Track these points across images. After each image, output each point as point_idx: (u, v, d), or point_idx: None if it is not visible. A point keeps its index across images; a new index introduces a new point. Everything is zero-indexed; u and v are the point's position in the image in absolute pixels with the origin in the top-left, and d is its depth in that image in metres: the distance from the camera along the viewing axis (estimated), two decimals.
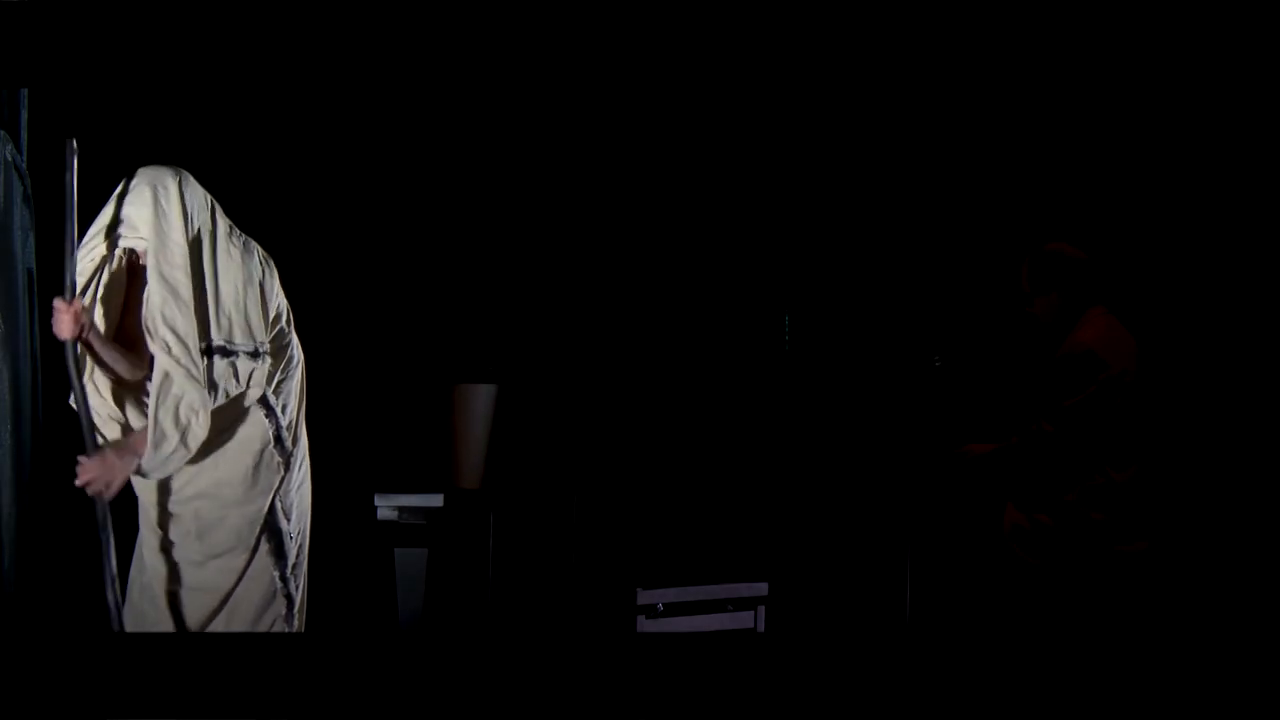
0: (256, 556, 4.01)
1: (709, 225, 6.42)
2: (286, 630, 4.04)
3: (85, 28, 5.33)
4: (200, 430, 3.87)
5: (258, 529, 4.01)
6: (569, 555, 5.87)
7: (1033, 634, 4.90)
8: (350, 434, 5.69)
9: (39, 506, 4.93)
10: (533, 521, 5.92)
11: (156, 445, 3.85)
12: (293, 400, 4.10)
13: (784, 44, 6.20)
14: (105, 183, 4.03)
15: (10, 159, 4.59)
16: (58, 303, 3.86)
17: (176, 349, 3.83)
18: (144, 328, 3.91)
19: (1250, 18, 5.79)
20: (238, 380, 3.92)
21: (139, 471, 3.94)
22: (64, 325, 3.85)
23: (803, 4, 6.11)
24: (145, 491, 4.04)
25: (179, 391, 3.85)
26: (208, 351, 3.89)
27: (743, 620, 5.89)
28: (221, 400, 3.91)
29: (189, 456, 3.90)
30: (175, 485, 3.99)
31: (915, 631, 5.38)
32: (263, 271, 4.03)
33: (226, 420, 3.96)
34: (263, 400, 4.01)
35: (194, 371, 3.83)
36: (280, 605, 4.04)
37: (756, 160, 6.38)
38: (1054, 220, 5.86)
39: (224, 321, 3.93)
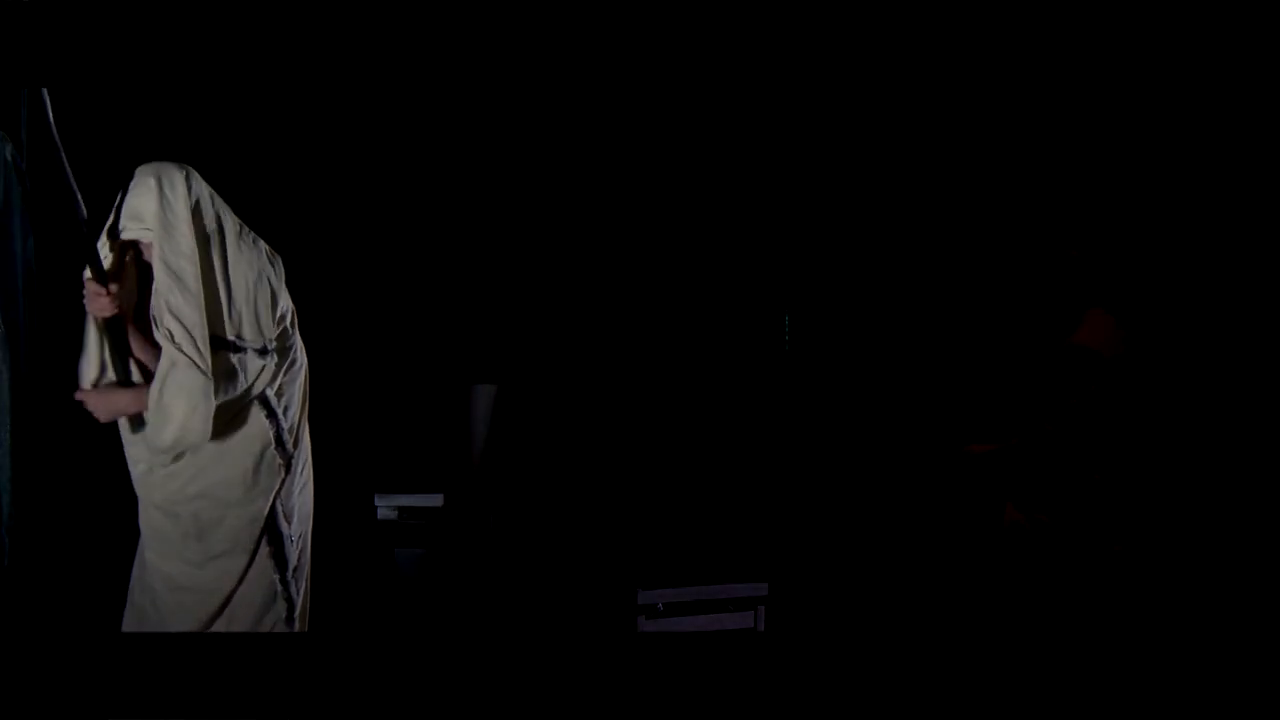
0: (256, 559, 4.01)
1: (709, 225, 6.42)
2: (291, 635, 4.04)
3: (87, 27, 5.34)
4: (201, 422, 3.87)
5: (257, 531, 4.00)
6: (569, 555, 5.87)
7: (1032, 633, 4.90)
8: (351, 434, 5.70)
9: (37, 507, 4.94)
10: (533, 521, 5.92)
11: (159, 430, 3.86)
12: (295, 402, 4.10)
13: (784, 44, 6.21)
14: (110, 182, 4.04)
15: (10, 159, 4.60)
16: (91, 285, 3.88)
17: (181, 338, 3.84)
18: (151, 316, 3.91)
19: (1250, 18, 5.79)
20: (245, 377, 3.92)
21: (134, 459, 3.97)
22: (101, 305, 3.88)
23: (802, 4, 6.11)
24: (146, 491, 4.04)
25: (184, 380, 3.85)
26: (219, 346, 3.89)
27: (743, 620, 5.89)
28: (227, 396, 3.90)
29: (190, 445, 3.90)
30: (176, 485, 3.99)
31: (915, 631, 5.38)
32: (271, 269, 4.04)
33: (227, 420, 3.96)
34: (264, 401, 4.01)
35: (200, 363, 3.84)
36: (281, 608, 4.04)
37: (756, 160, 6.38)
38: (1054, 220, 5.86)
39: (235, 317, 3.93)
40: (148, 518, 4.05)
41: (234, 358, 3.90)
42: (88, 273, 3.90)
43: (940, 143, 6.25)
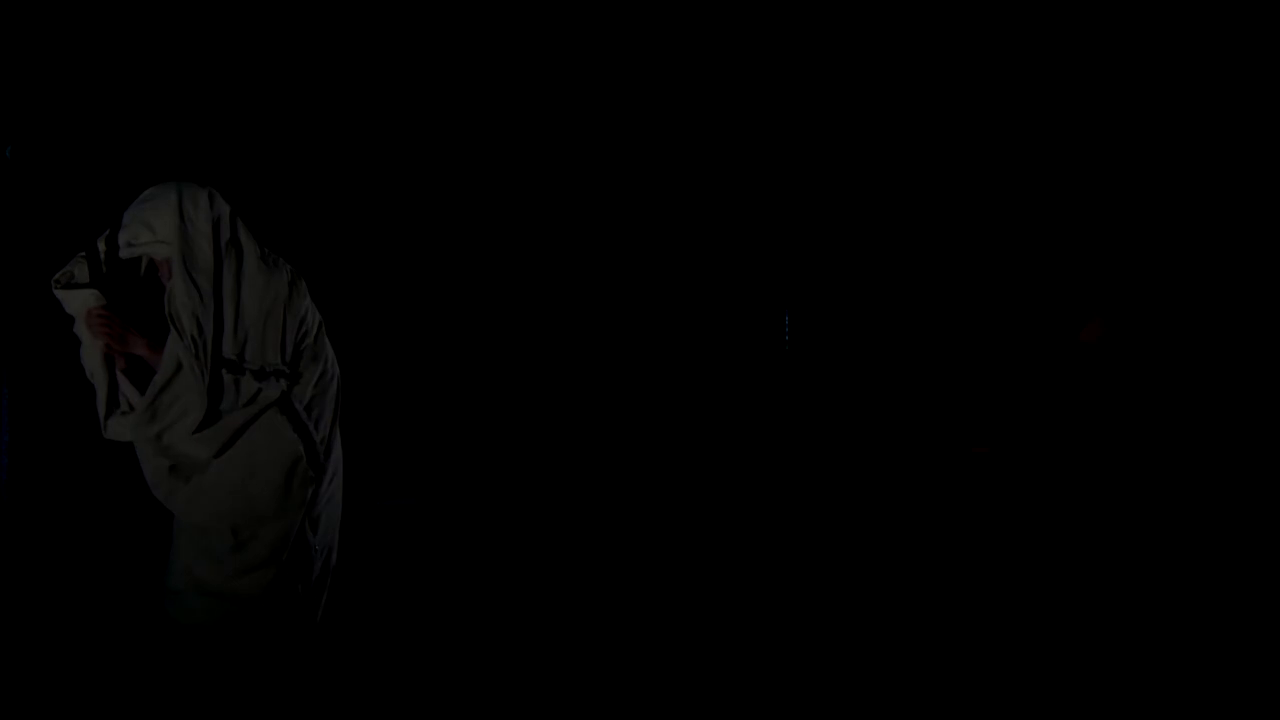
0: (284, 569, 4.01)
1: (709, 225, 6.43)
2: (304, 640, 4.05)
3: (103, 37, 5.34)
4: (183, 430, 3.88)
5: (289, 543, 4.00)
6: (566, 552, 5.89)
7: (1032, 634, 4.92)
8: (351, 434, 5.70)
9: (25, 508, 4.95)
10: (530, 522, 5.93)
11: (147, 422, 3.88)
12: (326, 414, 4.11)
13: (784, 43, 6.21)
14: (121, 194, 4.04)
15: (8, 158, 4.60)
16: (94, 311, 3.89)
17: (196, 348, 3.85)
18: (169, 319, 3.92)
19: (1250, 18, 5.80)
20: (238, 396, 3.92)
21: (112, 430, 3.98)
22: (102, 330, 3.89)
23: (803, 4, 6.12)
24: (181, 506, 4.03)
25: (182, 389, 3.87)
26: (217, 362, 3.90)
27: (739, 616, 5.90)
28: (221, 411, 3.92)
29: (177, 448, 3.91)
30: (210, 504, 3.99)
31: (913, 629, 5.39)
32: (289, 293, 4.04)
33: (260, 436, 3.96)
34: (295, 416, 4.01)
35: (204, 376, 3.85)
36: (299, 617, 4.04)
37: (756, 161, 6.39)
38: (1053, 220, 5.87)
39: (240, 336, 3.94)
40: (184, 531, 4.04)
41: (229, 376, 3.91)
42: (89, 306, 3.90)
43: (939, 144, 6.26)
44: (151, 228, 3.90)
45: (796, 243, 6.38)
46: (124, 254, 3.93)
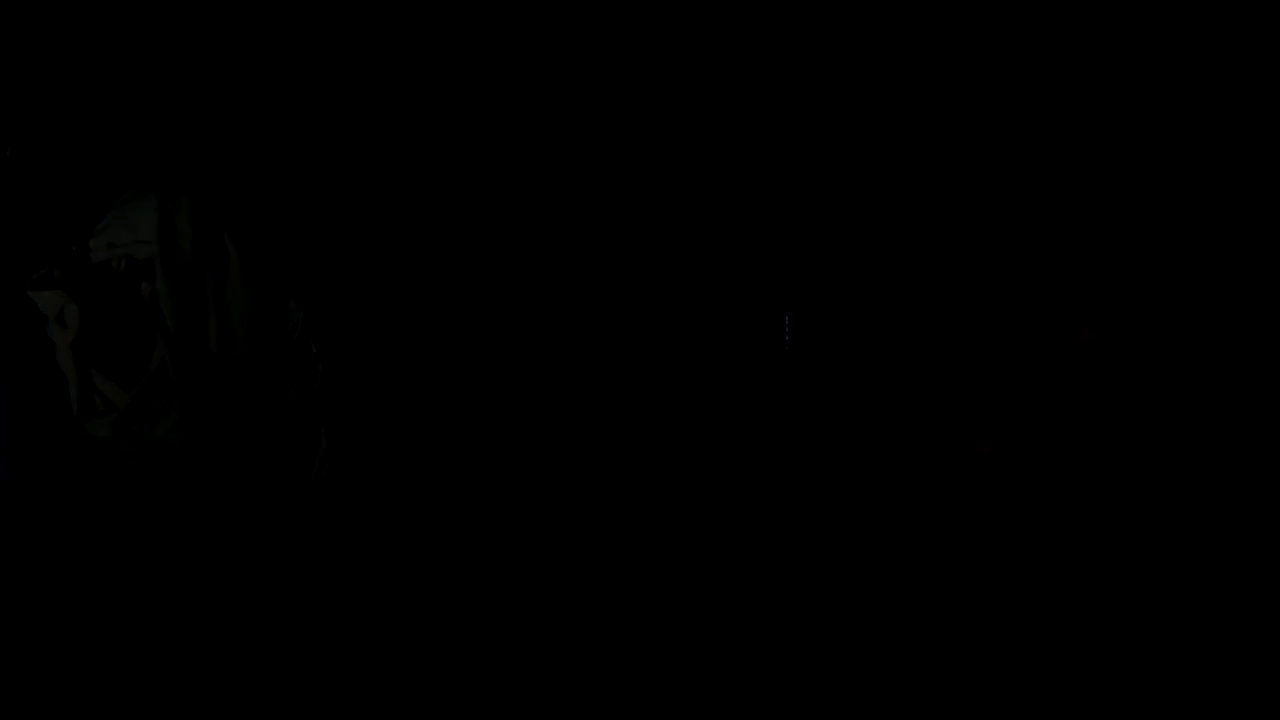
0: (278, 569, 4.04)
1: (708, 225, 6.42)
2: (297, 634, 4.07)
3: (96, 30, 5.34)
4: (164, 429, 3.91)
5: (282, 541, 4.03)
6: (563, 553, 5.88)
7: (1034, 634, 4.91)
8: (349, 434, 5.70)
9: (25, 508, 4.95)
10: (527, 523, 5.93)
11: (121, 422, 3.90)
12: (313, 412, 4.13)
13: (785, 42, 6.21)
14: (113, 193, 4.05)
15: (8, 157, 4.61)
16: (68, 311, 3.92)
17: (179, 348, 3.88)
18: (153, 319, 3.94)
19: (1250, 18, 5.79)
20: (225, 394, 3.95)
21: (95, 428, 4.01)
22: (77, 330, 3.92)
23: (802, 3, 6.11)
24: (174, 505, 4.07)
25: (164, 388, 3.89)
26: (198, 360, 3.93)
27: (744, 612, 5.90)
28: (204, 413, 3.94)
29: (129, 436, 3.94)
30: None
31: (916, 632, 5.39)
32: (274, 292, 4.07)
33: (248, 434, 3.99)
34: (281, 414, 4.04)
35: (184, 374, 3.88)
36: (295, 611, 4.07)
37: (755, 160, 6.38)
38: (1053, 219, 5.87)
39: (223, 336, 3.96)
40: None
41: (214, 376, 3.94)
42: (63, 306, 3.93)
43: (939, 144, 6.25)
44: (133, 228, 3.92)
45: (796, 242, 6.37)
46: (105, 255, 3.95)
